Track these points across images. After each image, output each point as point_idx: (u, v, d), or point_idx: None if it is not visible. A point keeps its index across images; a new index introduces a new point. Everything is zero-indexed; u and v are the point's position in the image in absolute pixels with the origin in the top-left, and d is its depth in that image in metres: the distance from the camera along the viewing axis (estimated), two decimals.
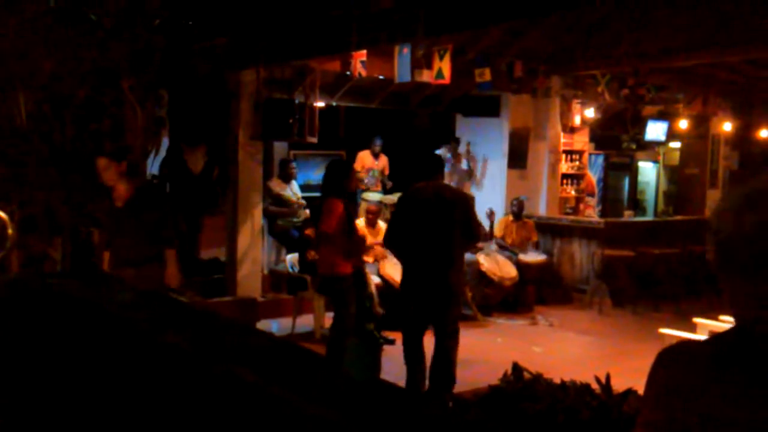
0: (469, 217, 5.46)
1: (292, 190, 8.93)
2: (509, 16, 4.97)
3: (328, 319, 6.91)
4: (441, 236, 5.30)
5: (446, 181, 10.49)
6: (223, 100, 8.24)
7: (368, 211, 7.97)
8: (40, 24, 5.18)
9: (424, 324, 5.52)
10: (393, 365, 6.24)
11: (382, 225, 8.39)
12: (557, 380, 4.07)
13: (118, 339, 2.68)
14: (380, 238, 8.06)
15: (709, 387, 1.31)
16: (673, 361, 1.43)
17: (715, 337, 1.44)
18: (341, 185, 5.89)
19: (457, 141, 10.77)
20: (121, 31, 5.37)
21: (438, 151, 10.82)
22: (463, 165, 10.76)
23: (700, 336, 5.55)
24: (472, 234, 5.52)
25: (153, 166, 6.62)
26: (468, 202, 5.71)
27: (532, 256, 9.36)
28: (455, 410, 3.02)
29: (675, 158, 14.10)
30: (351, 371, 2.40)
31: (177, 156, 8.04)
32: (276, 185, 8.77)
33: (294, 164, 9.30)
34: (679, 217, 11.90)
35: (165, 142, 7.99)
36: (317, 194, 6.59)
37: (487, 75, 8.60)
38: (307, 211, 8.81)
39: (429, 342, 5.50)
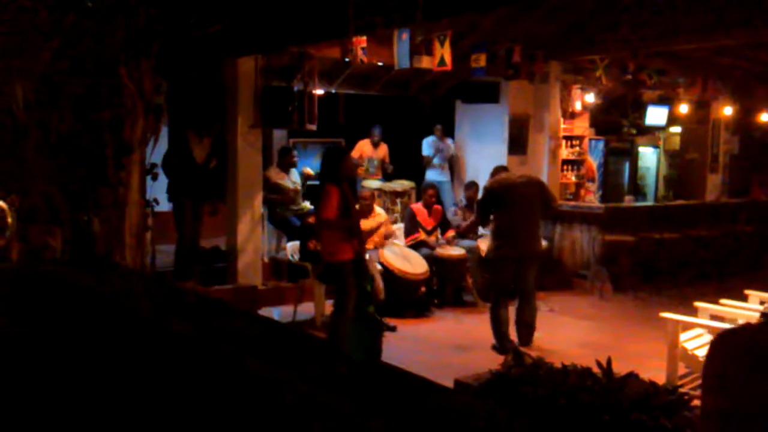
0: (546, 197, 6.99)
1: (291, 179, 8.91)
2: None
3: (329, 306, 6.93)
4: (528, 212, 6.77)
5: (435, 164, 10.83)
6: (222, 89, 8.21)
7: (362, 198, 7.98)
8: (36, 12, 5.15)
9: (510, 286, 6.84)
10: (394, 350, 6.26)
11: (379, 211, 8.39)
12: (558, 365, 4.07)
13: (119, 325, 2.68)
14: (378, 224, 8.10)
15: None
16: (730, 347, 1.41)
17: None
18: (336, 170, 5.90)
19: (443, 129, 10.98)
20: (118, 19, 5.33)
21: (432, 138, 10.91)
22: (451, 150, 10.92)
23: (703, 320, 5.55)
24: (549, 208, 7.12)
25: (152, 155, 6.61)
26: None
27: None
28: (456, 394, 3.03)
29: (675, 143, 14.07)
30: (352, 354, 2.40)
31: (183, 145, 8.05)
32: (274, 174, 8.75)
33: (295, 152, 9.29)
34: (679, 202, 11.87)
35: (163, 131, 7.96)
36: (315, 182, 6.61)
37: (482, 61, 8.57)
38: (307, 203, 8.82)
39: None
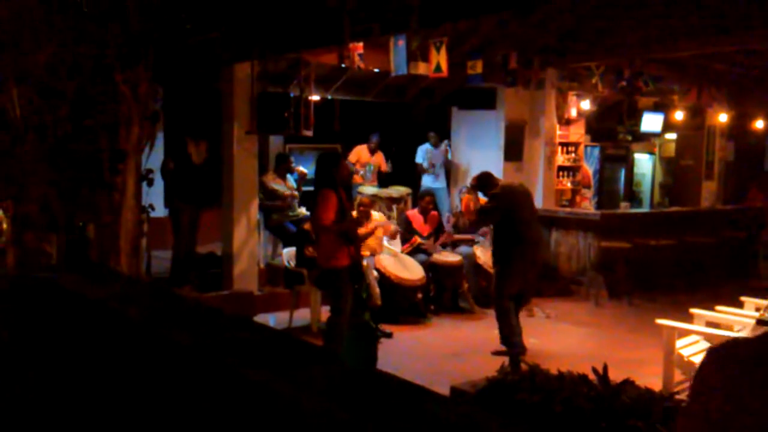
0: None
1: (288, 185, 8.92)
2: (501, 6, 4.96)
3: (325, 312, 6.91)
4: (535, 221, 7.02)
5: (430, 171, 10.89)
6: (218, 95, 8.22)
7: (360, 204, 7.99)
8: (32, 16, 5.14)
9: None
10: (391, 357, 6.25)
11: (375, 216, 8.38)
12: (554, 371, 4.07)
13: (111, 331, 2.67)
14: (375, 230, 8.09)
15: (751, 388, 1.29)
16: (724, 361, 1.39)
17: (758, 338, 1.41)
18: (332, 176, 5.91)
19: (438, 133, 11.00)
20: (114, 24, 5.33)
21: (426, 145, 10.93)
22: (448, 156, 10.92)
23: (699, 326, 5.56)
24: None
25: (148, 161, 6.62)
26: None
27: None
28: (452, 401, 3.02)
29: (671, 150, 14.11)
30: (347, 361, 2.39)
31: (180, 150, 8.05)
32: (270, 180, 8.76)
33: (292, 159, 9.30)
34: (675, 209, 11.90)
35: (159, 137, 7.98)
36: (310, 188, 6.62)
37: (478, 67, 8.60)
38: (303, 209, 8.82)
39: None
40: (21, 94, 5.37)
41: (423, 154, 10.98)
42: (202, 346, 2.43)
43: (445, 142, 11.07)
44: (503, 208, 6.79)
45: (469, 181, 10.37)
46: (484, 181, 7.03)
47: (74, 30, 5.27)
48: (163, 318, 2.75)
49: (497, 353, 6.58)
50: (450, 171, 11.25)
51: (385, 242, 8.45)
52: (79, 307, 3.12)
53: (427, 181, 10.90)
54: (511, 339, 6.66)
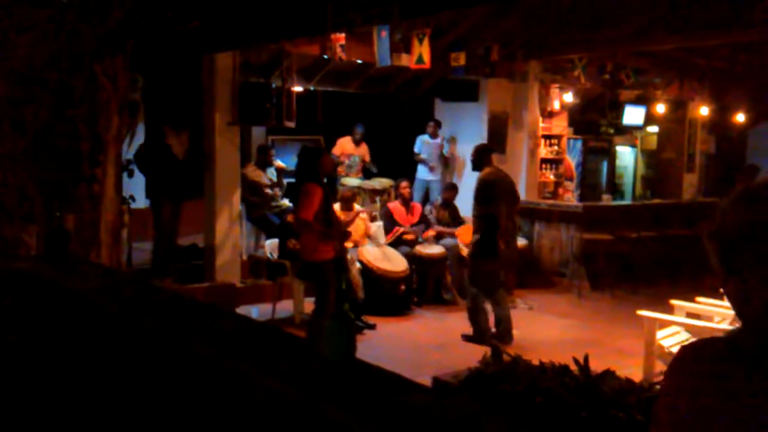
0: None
1: (268, 177, 8.87)
2: None
3: (308, 304, 6.90)
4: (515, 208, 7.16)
5: (426, 162, 10.73)
6: (199, 85, 8.16)
7: (342, 196, 7.98)
8: (11, 7, 5.08)
9: None
10: (374, 348, 6.25)
11: (357, 209, 8.37)
12: (536, 362, 4.08)
13: (88, 323, 2.65)
14: (355, 223, 8.07)
15: (723, 386, 1.28)
16: (694, 360, 1.39)
17: (730, 336, 1.40)
18: (315, 169, 5.87)
19: (438, 123, 10.79)
20: (93, 14, 5.27)
21: (425, 135, 10.80)
22: (445, 151, 10.78)
23: (679, 317, 5.60)
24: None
25: (128, 152, 6.56)
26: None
27: None
28: (434, 392, 3.02)
29: (652, 143, 14.18)
30: (326, 352, 2.38)
31: (160, 141, 7.98)
32: (251, 171, 8.70)
33: (273, 151, 9.25)
34: (656, 201, 11.96)
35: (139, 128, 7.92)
36: (292, 180, 6.60)
37: (461, 59, 8.59)
38: (286, 201, 8.78)
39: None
40: (0, 86, 5.30)
41: (420, 144, 10.83)
42: (179, 337, 2.41)
43: (442, 136, 10.86)
44: (493, 195, 6.79)
45: (445, 183, 10.34)
46: (478, 153, 7.10)
47: (53, 21, 5.21)
48: (140, 310, 2.72)
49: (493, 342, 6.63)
50: (448, 165, 10.99)
51: (374, 227, 8.45)
52: (56, 298, 3.08)
53: (422, 173, 10.79)
54: (507, 332, 6.85)
